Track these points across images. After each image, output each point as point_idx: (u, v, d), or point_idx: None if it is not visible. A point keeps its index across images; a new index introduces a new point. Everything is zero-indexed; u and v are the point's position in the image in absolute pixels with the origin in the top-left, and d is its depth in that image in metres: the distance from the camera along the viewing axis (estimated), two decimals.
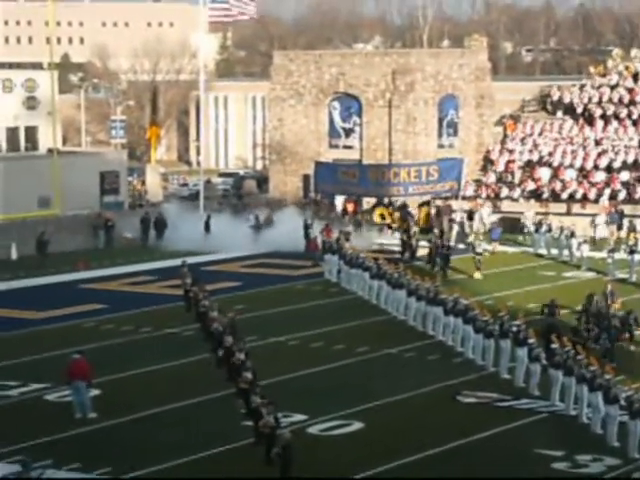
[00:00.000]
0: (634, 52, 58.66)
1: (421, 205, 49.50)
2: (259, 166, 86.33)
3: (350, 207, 51.19)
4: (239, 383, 24.59)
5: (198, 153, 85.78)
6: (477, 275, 39.71)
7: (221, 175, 77.77)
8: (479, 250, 40.79)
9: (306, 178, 54.29)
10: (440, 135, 54.85)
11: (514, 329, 27.60)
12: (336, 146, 55.64)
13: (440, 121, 54.80)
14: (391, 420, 24.63)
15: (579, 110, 55.07)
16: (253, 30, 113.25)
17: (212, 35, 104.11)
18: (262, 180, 65.48)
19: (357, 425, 24.22)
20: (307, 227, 46.19)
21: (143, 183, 63.73)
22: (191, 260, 38.01)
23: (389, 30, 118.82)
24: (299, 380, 27.60)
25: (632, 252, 39.82)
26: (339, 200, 51.80)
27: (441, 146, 54.67)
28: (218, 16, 53.74)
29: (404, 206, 48.31)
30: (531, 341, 26.83)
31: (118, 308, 35.20)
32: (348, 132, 55.43)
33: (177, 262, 37.36)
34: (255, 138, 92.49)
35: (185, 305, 34.14)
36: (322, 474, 21.35)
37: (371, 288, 36.66)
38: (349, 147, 55.32)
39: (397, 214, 48.06)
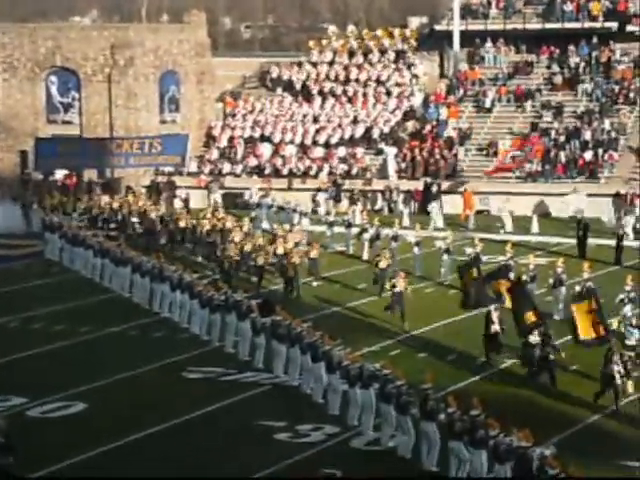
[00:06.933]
0: (350, 28, 60.23)
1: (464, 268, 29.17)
2: None
3: (70, 181, 50.16)
4: None
5: None
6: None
7: None
8: None
9: (24, 154, 52.64)
10: (162, 111, 54.46)
11: (238, 302, 27.94)
12: (55, 121, 54.14)
13: (162, 97, 54.43)
14: (115, 399, 24.34)
15: (298, 87, 56.15)
16: None
17: None
18: None
19: (80, 406, 23.80)
20: (25, 206, 44.79)
21: None
22: None
23: (106, 3, 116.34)
24: (18, 362, 26.81)
25: (349, 225, 41.02)
26: (59, 175, 50.66)
27: (163, 122, 54.27)
28: None
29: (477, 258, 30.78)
30: (254, 315, 27.21)
31: None
32: (67, 107, 54.02)
33: None
34: None
35: None
36: (41, 458, 20.77)
37: (94, 266, 36.07)
38: (68, 122, 53.91)
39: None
